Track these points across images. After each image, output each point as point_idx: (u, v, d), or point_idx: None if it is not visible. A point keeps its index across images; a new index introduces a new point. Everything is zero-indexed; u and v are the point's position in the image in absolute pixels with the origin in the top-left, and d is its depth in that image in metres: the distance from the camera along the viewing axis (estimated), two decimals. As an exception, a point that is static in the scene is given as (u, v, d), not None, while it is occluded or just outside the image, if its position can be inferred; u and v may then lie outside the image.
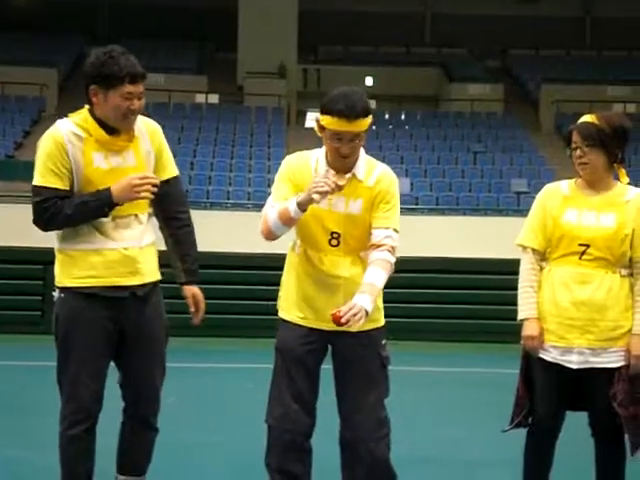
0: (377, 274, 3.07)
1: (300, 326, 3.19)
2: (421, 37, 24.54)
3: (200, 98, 20.47)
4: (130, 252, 3.15)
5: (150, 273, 3.23)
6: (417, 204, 16.26)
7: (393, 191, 3.18)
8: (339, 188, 2.97)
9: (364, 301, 2.98)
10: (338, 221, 3.12)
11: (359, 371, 3.18)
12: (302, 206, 3.01)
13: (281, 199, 3.12)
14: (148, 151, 3.22)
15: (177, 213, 3.30)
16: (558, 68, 22.21)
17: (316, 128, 3.14)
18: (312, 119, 3.41)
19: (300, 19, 21.55)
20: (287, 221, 3.07)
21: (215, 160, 17.54)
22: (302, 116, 21.01)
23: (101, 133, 3.12)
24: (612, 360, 3.22)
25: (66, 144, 3.09)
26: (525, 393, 3.35)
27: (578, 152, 3.25)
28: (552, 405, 3.30)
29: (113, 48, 3.11)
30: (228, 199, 15.62)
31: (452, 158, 18.08)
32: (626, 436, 3.27)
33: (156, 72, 20.25)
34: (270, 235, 3.14)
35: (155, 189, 3.11)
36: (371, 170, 3.17)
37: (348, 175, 3.07)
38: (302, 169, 3.18)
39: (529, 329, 3.26)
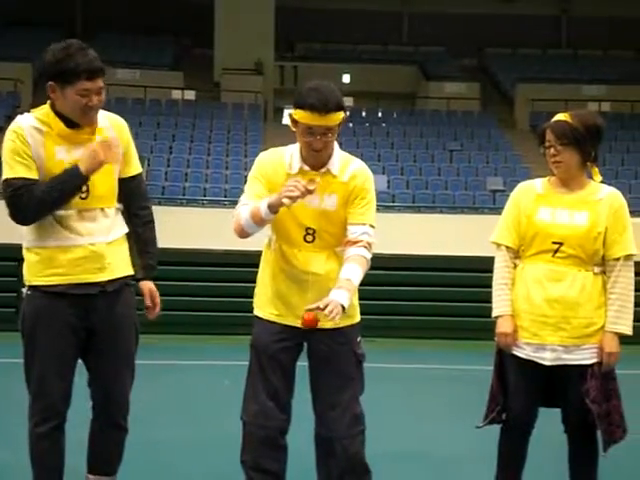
0: (353, 270, 3.08)
1: (275, 323, 3.18)
2: (398, 35, 24.59)
3: (176, 94, 20.36)
4: (97, 248, 3.12)
5: (120, 268, 3.20)
6: (394, 202, 16.29)
7: (368, 187, 3.20)
8: (309, 192, 2.98)
9: (340, 296, 2.99)
10: (313, 217, 3.12)
11: (334, 368, 3.18)
12: (272, 208, 3.03)
13: (254, 197, 3.12)
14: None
15: (139, 209, 3.28)
16: (534, 67, 22.36)
17: (289, 123, 3.14)
18: (288, 115, 3.48)
19: (277, 15, 21.50)
20: (259, 221, 3.08)
21: (191, 157, 17.46)
22: (279, 113, 20.97)
23: (61, 127, 3.10)
24: (585, 357, 3.24)
25: (27, 137, 3.08)
26: (499, 389, 3.36)
27: (552, 151, 3.26)
28: (525, 401, 3.31)
29: (71, 43, 3.07)
30: (204, 196, 15.55)
31: (428, 156, 18.14)
32: (599, 433, 3.29)
33: (132, 67, 20.14)
34: (242, 233, 3.14)
35: (118, 150, 3.10)
36: (346, 166, 3.19)
37: (318, 179, 3.07)
38: (275, 166, 3.17)
39: (503, 326, 3.28)
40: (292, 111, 3.13)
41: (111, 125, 3.21)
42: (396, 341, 13.11)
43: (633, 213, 17.43)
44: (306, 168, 3.14)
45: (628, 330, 3.26)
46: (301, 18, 23.18)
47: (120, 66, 19.37)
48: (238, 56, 20.66)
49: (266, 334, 3.18)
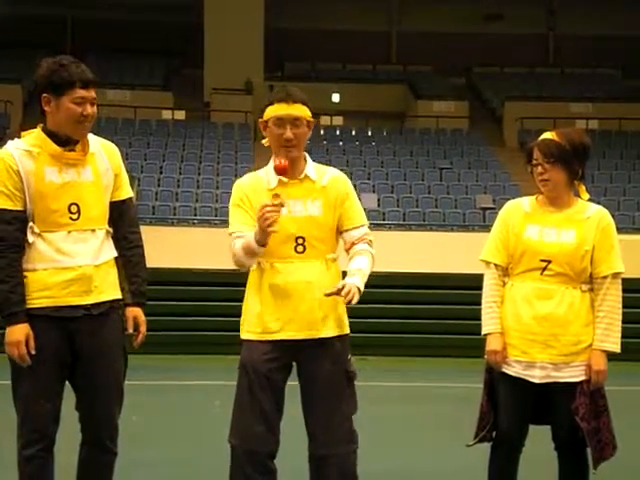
0: (362, 261, 3.16)
1: (265, 342, 3.14)
2: (387, 54, 24.76)
3: (166, 114, 20.40)
4: (85, 270, 3.10)
5: (107, 292, 3.17)
6: (384, 220, 16.33)
7: (350, 189, 3.26)
8: (281, 206, 2.99)
9: (355, 280, 3.06)
10: (300, 225, 3.14)
11: (326, 388, 3.16)
12: (261, 242, 3.04)
13: (240, 225, 3.15)
14: (107, 168, 3.20)
15: (128, 234, 3.26)
16: (522, 85, 22.54)
17: (262, 130, 3.22)
18: (260, 125, 3.54)
19: (266, 35, 21.63)
20: (253, 255, 3.12)
21: (182, 177, 17.47)
22: (269, 132, 21.02)
23: (53, 147, 3.09)
24: (573, 374, 3.25)
25: (17, 163, 3.06)
26: (489, 407, 3.36)
27: (539, 169, 3.29)
28: (515, 419, 3.32)
29: (63, 57, 3.12)
30: (195, 215, 15.56)
31: (418, 174, 18.22)
32: (588, 450, 3.30)
33: (122, 88, 20.19)
34: (242, 266, 3.19)
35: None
36: (323, 172, 3.24)
37: (279, 198, 3.01)
38: (254, 186, 3.21)
39: (492, 344, 3.29)
40: (261, 119, 3.21)
41: (102, 150, 3.21)
42: (388, 359, 13.10)
43: (621, 230, 17.68)
44: (284, 179, 3.15)
45: (616, 348, 3.27)
46: (290, 38, 23.31)
47: (110, 87, 19.41)
48: (228, 76, 20.75)
49: (256, 355, 3.14)
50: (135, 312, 3.23)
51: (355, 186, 14.44)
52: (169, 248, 12.29)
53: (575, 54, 23.51)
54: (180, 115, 20.53)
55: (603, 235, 3.28)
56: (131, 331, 3.24)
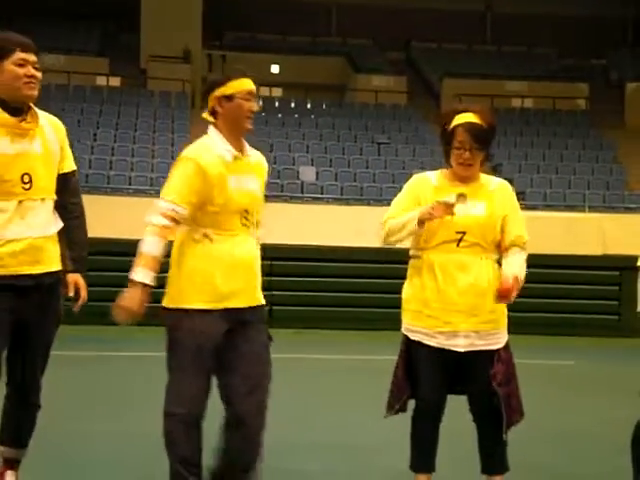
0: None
1: (211, 311, 3.18)
2: (327, 27, 24.65)
3: (101, 81, 19.95)
4: (36, 241, 3.19)
5: (55, 261, 3.27)
6: (322, 193, 16.36)
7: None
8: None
9: None
10: (247, 199, 3.24)
11: (260, 354, 3.27)
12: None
13: (182, 196, 3.15)
14: (53, 142, 3.28)
15: (69, 204, 3.35)
16: (459, 62, 22.73)
17: (212, 114, 3.22)
18: (215, 100, 3.56)
19: (205, 3, 21.29)
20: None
21: (116, 145, 17.15)
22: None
23: (4, 115, 3.13)
24: (493, 342, 3.38)
25: None
26: (405, 378, 3.44)
27: (466, 154, 3.34)
28: (437, 389, 3.42)
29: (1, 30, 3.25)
30: (130, 185, 15.31)
31: (357, 149, 18.26)
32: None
33: (56, 53, 19.62)
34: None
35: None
36: (252, 151, 3.35)
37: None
38: (211, 155, 3.22)
39: (432, 210, 3.32)
40: (217, 93, 3.21)
41: (49, 124, 3.29)
42: (322, 332, 13.19)
43: (553, 207, 17.98)
44: (237, 154, 3.23)
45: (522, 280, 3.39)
46: (230, 7, 23.00)
47: (43, 51, 18.84)
48: (165, 43, 20.38)
49: (204, 322, 3.18)
50: (75, 278, 3.35)
51: (293, 159, 14.58)
52: (102, 217, 12.08)
53: (512, 32, 23.81)
54: (115, 82, 20.11)
55: (511, 206, 3.44)
56: (71, 294, 3.34)
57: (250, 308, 3.25)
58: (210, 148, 3.21)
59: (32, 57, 3.17)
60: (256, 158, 3.34)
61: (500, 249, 3.44)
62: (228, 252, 3.19)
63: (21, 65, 3.13)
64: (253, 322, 3.26)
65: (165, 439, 3.24)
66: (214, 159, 3.18)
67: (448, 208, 3.25)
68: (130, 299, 3.09)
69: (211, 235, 3.18)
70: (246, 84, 3.26)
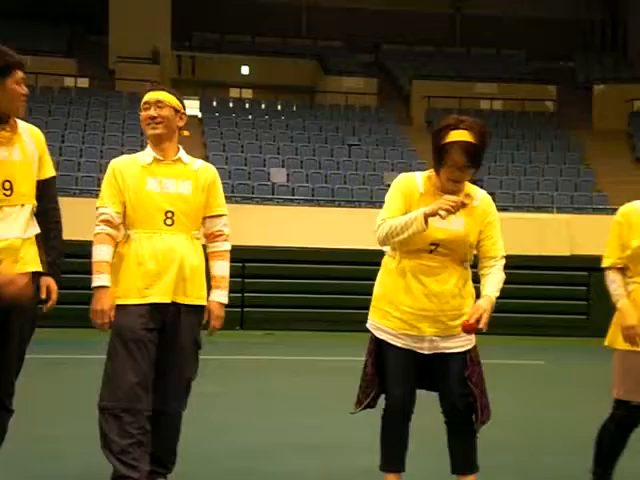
0: (223, 266, 3.65)
1: (139, 306, 3.42)
2: (297, 28, 24.65)
3: (69, 82, 19.77)
4: (13, 242, 3.24)
5: (31, 263, 3.33)
6: (293, 195, 16.34)
7: (218, 180, 3.69)
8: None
9: (219, 296, 3.59)
10: (171, 200, 3.53)
11: (183, 348, 3.51)
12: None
13: (111, 199, 3.58)
14: (32, 150, 3.36)
15: (49, 209, 3.44)
16: (429, 64, 22.85)
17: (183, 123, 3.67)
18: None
19: (174, 4, 21.17)
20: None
21: (85, 146, 16.99)
22: (176, 103, 20.65)
23: None
24: (459, 345, 3.40)
25: None
26: (374, 376, 3.46)
27: (457, 173, 3.31)
28: (405, 387, 3.44)
29: None
30: (98, 187, 15.14)
31: (328, 150, 18.28)
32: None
33: (23, 53, 19.27)
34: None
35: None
36: (193, 160, 3.69)
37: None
38: (129, 165, 3.61)
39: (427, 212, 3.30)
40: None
41: (27, 132, 3.37)
42: (294, 334, 13.18)
43: (521, 208, 18.13)
44: (159, 157, 3.57)
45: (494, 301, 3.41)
46: (199, 8, 22.90)
47: (9, 51, 18.64)
48: (134, 44, 20.24)
49: (131, 319, 3.41)
50: (49, 281, 3.40)
51: (264, 161, 14.56)
52: (70, 220, 11.91)
53: (481, 35, 23.99)
54: (83, 83, 19.93)
55: (490, 223, 3.43)
56: (43, 297, 3.41)
57: (182, 306, 3.46)
58: (134, 155, 3.64)
59: (23, 74, 3.31)
60: (198, 166, 3.63)
61: (476, 258, 3.45)
62: (148, 251, 3.46)
63: (18, 84, 3.26)
64: (181, 321, 3.47)
65: (99, 432, 3.43)
66: (131, 162, 3.59)
67: (458, 207, 3.20)
68: (101, 301, 3.44)
69: (132, 235, 3.50)
70: (144, 97, 3.64)
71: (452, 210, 3.21)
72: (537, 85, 22.11)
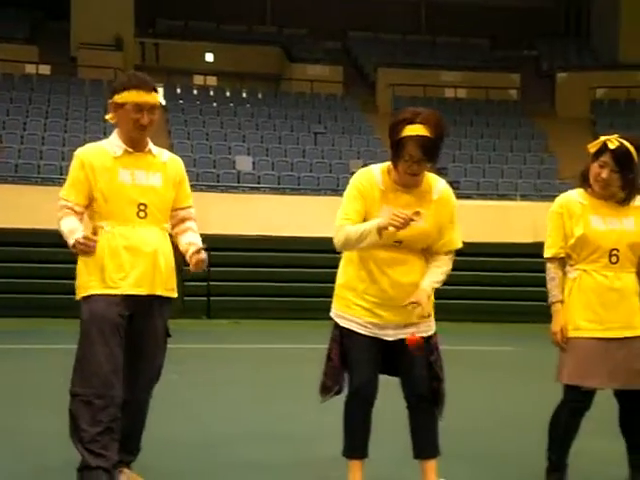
0: (196, 236, 3.63)
1: (112, 296, 3.40)
2: (262, 15, 24.50)
3: (30, 69, 19.47)
4: None
5: None
6: (259, 183, 16.29)
7: (185, 173, 3.65)
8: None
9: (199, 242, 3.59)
10: (142, 193, 3.47)
11: (153, 338, 3.51)
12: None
13: (74, 194, 3.48)
14: None
15: None
16: (394, 52, 22.88)
17: (110, 114, 3.48)
18: (110, 105, 3.93)
19: (138, -10, 20.93)
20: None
21: (47, 134, 16.76)
22: (140, 91, 20.43)
23: None
24: (422, 330, 3.44)
25: None
26: (340, 363, 3.48)
27: (415, 166, 3.32)
28: (369, 374, 3.47)
29: None
30: (61, 174, 14.97)
31: (293, 138, 18.24)
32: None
33: (-18, 39, 19.07)
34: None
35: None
36: (161, 151, 3.61)
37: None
38: (99, 155, 3.48)
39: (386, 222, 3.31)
40: (114, 99, 3.45)
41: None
42: (260, 322, 13.17)
43: (486, 196, 18.22)
44: (130, 150, 3.47)
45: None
46: (163, -6, 22.65)
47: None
48: (96, 30, 19.97)
49: (107, 305, 3.39)
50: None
51: (229, 148, 14.46)
52: (33, 208, 11.78)
53: (446, 23, 24.05)
54: (45, 70, 19.63)
55: (449, 218, 3.46)
56: None
57: (154, 297, 3.44)
58: (101, 145, 3.50)
59: None
60: (166, 158, 3.56)
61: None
62: (122, 243, 3.42)
63: None
64: (153, 312, 3.47)
65: (70, 419, 3.38)
66: (100, 152, 3.46)
67: (407, 223, 3.23)
68: (87, 239, 3.41)
69: (105, 227, 3.44)
70: (135, 96, 3.41)
71: (401, 227, 3.21)
72: (501, 73, 22.26)
